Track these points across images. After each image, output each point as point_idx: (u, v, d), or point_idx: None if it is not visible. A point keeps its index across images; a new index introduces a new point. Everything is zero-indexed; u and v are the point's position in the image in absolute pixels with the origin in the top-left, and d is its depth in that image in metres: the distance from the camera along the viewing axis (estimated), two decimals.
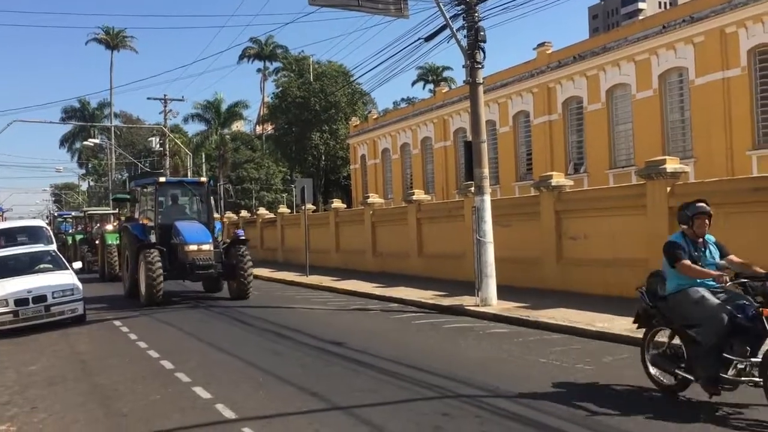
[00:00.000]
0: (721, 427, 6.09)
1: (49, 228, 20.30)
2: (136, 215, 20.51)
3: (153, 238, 17.64)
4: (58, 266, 15.30)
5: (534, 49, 31.19)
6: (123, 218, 27.04)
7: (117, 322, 14.29)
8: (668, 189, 13.24)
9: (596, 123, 28.13)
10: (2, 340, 12.79)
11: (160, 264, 16.33)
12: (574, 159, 29.94)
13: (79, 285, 14.49)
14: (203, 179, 20.03)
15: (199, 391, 8.13)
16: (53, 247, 17.39)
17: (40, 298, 13.64)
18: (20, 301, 13.44)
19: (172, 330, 13.11)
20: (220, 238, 18.58)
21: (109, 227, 28.61)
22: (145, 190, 19.65)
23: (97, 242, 28.92)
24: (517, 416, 6.57)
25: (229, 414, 7.10)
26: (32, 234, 18.73)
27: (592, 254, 15.08)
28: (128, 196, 31.55)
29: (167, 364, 9.80)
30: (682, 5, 28.31)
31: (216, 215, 20.27)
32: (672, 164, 13.39)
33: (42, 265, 15.24)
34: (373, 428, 6.38)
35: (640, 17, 27.35)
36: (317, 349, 10.59)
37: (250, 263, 17.61)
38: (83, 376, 9.52)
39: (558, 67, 29.56)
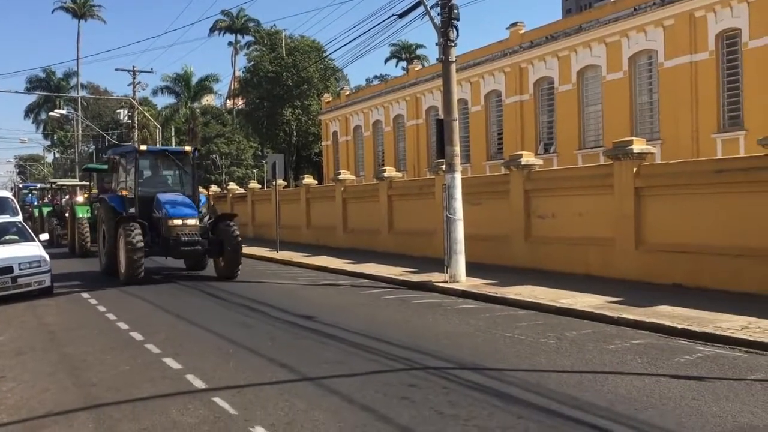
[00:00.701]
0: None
1: (15, 199, 19.99)
2: (114, 186, 19.09)
3: (132, 211, 16.58)
4: (25, 238, 15.14)
5: (507, 28, 31.28)
6: (94, 191, 26.32)
7: (85, 295, 14.24)
8: (634, 170, 13.51)
9: (567, 104, 28.40)
10: None
11: (141, 239, 15.17)
12: (545, 139, 30.22)
13: (47, 257, 14.35)
14: (188, 148, 18.51)
15: (168, 361, 8.18)
16: (19, 218, 17.19)
17: (6, 270, 13.49)
18: None
19: (142, 303, 13.08)
20: (205, 213, 17.56)
21: (80, 199, 27.63)
22: (123, 159, 18.11)
23: (66, 215, 27.66)
24: (482, 387, 6.74)
25: (199, 384, 7.17)
26: None
27: (560, 233, 15.34)
28: (100, 167, 30.70)
29: (137, 336, 9.82)
30: None
31: (201, 189, 19.34)
32: (639, 145, 13.64)
33: (8, 237, 15.05)
34: (342, 398, 6.51)
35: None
36: (287, 322, 10.69)
37: (239, 240, 16.39)
38: (52, 347, 9.49)
39: (530, 48, 29.71)
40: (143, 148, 17.94)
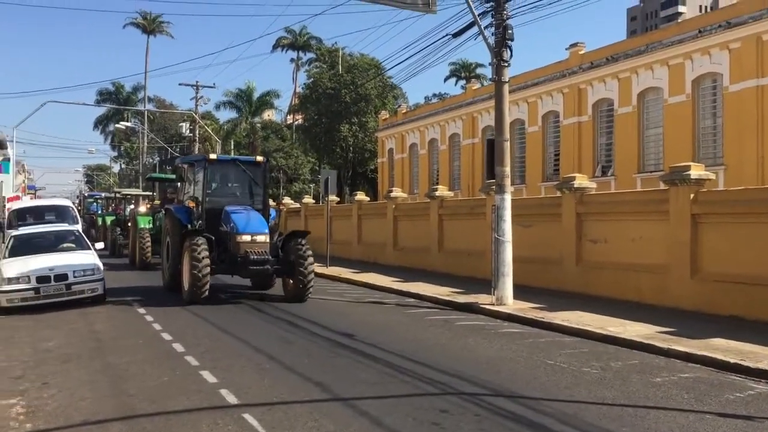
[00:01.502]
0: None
1: (75, 208, 20.67)
2: (180, 196, 18.17)
3: (199, 224, 15.57)
4: (81, 246, 15.59)
5: (566, 49, 30.90)
6: (156, 201, 26.08)
7: (135, 303, 14.53)
8: (692, 196, 13.06)
9: (626, 126, 27.79)
10: (23, 316, 13.09)
11: (207, 255, 13.92)
12: (602, 161, 29.63)
13: (100, 265, 14.74)
14: (260, 158, 17.08)
15: (205, 375, 8.24)
16: (78, 227, 17.75)
17: (61, 277, 13.90)
18: (42, 279, 13.72)
19: (187, 314, 13.25)
20: (275, 229, 16.31)
21: (142, 209, 26.92)
22: (192, 168, 17.04)
23: (129, 225, 27.22)
24: (515, 416, 6.56)
25: (232, 399, 7.19)
26: (59, 213, 19.18)
27: (612, 258, 14.93)
28: (164, 176, 29.50)
29: (178, 347, 9.94)
30: (719, 10, 27.87)
31: (271, 202, 17.98)
32: (697, 171, 13.20)
33: (65, 244, 15.55)
34: (371, 421, 6.41)
35: (679, 20, 26.97)
36: (327, 339, 10.67)
37: (312, 260, 14.89)
38: (96, 355, 9.69)
39: (590, 68, 29.24)
40: (213, 156, 16.49)
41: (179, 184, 18.40)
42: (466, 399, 7.16)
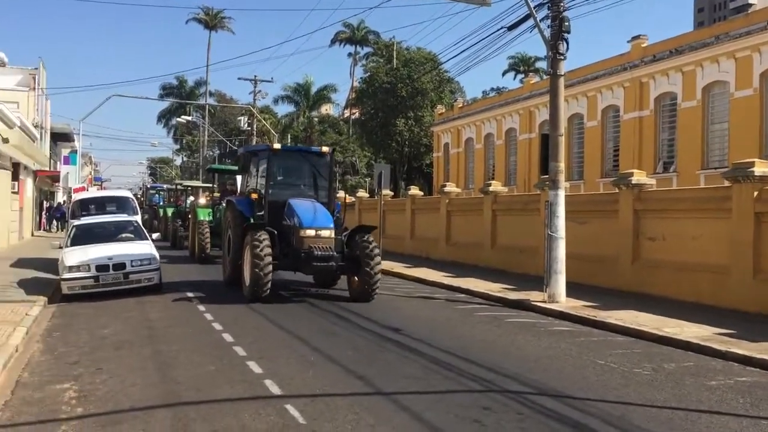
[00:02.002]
0: None
1: (135, 199, 21.20)
2: (243, 188, 17.51)
3: (261, 216, 14.90)
4: (139, 236, 16.00)
5: (628, 42, 30.07)
6: (216, 193, 25.89)
7: (190, 294, 14.80)
8: (755, 193, 12.57)
9: (690, 121, 26.90)
10: (83, 303, 13.50)
11: (269, 252, 13.23)
12: (664, 157, 28.78)
13: (157, 255, 15.10)
14: (326, 149, 16.25)
15: (252, 365, 8.33)
16: (137, 218, 18.20)
17: (119, 266, 14.28)
18: (101, 267, 14.13)
19: (239, 305, 13.43)
20: (341, 223, 15.24)
21: (201, 201, 26.51)
22: (255, 158, 16.33)
23: (189, 217, 26.94)
24: (559, 416, 6.41)
25: (275, 390, 7.25)
26: (120, 204, 19.70)
27: (670, 256, 14.52)
28: (224, 167, 29.47)
29: (228, 337, 10.09)
30: None
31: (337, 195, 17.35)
32: (761, 167, 12.70)
33: (124, 234, 15.98)
34: (411, 416, 6.37)
35: (749, 12, 25.92)
36: (373, 333, 10.66)
37: (379, 258, 14.08)
38: (148, 343, 9.91)
39: (652, 62, 28.38)
40: (277, 146, 15.81)
41: (241, 175, 17.82)
42: (510, 397, 7.05)
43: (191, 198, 31.30)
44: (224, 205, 20.02)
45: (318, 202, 14.91)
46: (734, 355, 9.17)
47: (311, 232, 13.74)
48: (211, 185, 28.64)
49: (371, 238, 14.25)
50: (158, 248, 18.28)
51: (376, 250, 14.02)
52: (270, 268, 13.20)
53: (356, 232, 14.67)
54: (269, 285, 13.28)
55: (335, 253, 13.71)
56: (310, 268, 13.98)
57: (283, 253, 13.91)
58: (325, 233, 13.83)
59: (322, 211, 14.32)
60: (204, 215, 23.30)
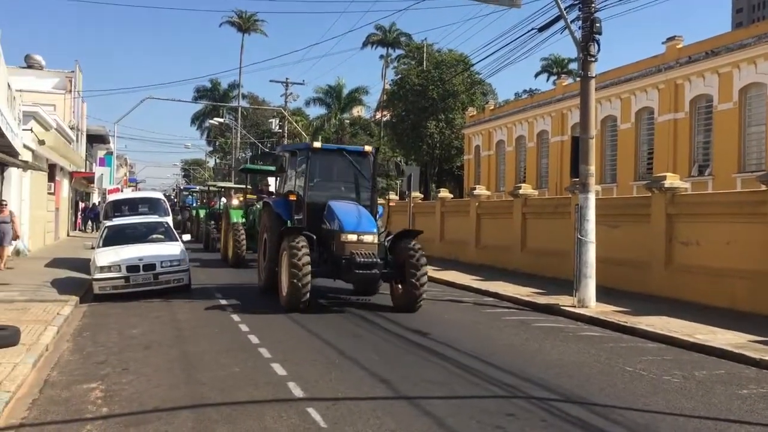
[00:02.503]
0: None
1: (166, 201, 21.46)
2: (279, 188, 16.63)
3: (299, 219, 13.93)
4: (169, 237, 16.18)
5: (663, 43, 29.61)
6: (249, 195, 25.16)
7: (218, 294, 14.91)
8: None
9: (726, 123, 26.38)
10: (113, 303, 13.68)
11: (308, 260, 12.32)
12: (700, 161, 28.27)
13: (186, 257, 15.24)
14: (368, 148, 15.17)
15: (276, 367, 8.35)
16: (168, 219, 18.44)
17: (149, 266, 14.46)
18: (131, 268, 14.32)
19: (266, 306, 13.48)
20: (384, 228, 14.41)
21: (234, 202, 25.85)
22: (293, 157, 15.47)
23: (222, 218, 26.29)
24: (584, 424, 6.30)
25: (298, 392, 7.25)
26: (152, 205, 19.99)
27: (704, 261, 14.21)
28: (257, 167, 28.86)
29: (254, 339, 10.13)
30: None
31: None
32: None
33: (155, 235, 16.18)
34: (434, 421, 6.31)
35: None
36: (398, 336, 10.63)
37: (425, 266, 13.07)
38: (175, 343, 9.99)
39: (688, 63, 27.91)
40: (317, 145, 14.72)
41: (278, 175, 16.76)
42: (535, 403, 6.95)
43: (224, 199, 30.91)
44: (259, 206, 19.82)
45: (360, 204, 14.09)
46: None
47: (353, 237, 12.82)
48: (244, 186, 28.50)
49: (417, 245, 13.24)
50: (190, 250, 18.62)
51: (423, 258, 13.02)
52: (308, 277, 12.29)
53: (401, 237, 13.63)
54: (308, 295, 12.40)
55: (378, 260, 12.76)
56: (351, 276, 12.95)
57: (323, 258, 13.10)
58: (367, 238, 12.90)
59: (364, 215, 13.43)
60: (237, 217, 22.59)
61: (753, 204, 13.33)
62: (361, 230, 12.94)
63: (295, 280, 12.19)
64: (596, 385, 7.78)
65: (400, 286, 13.30)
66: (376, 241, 13.05)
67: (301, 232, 12.94)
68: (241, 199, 25.85)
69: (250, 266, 19.97)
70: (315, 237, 13.06)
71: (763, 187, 13.10)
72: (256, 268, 17.09)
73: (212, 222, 29.10)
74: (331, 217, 13.36)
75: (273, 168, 24.18)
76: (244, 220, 22.42)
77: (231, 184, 38.09)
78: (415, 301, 12.98)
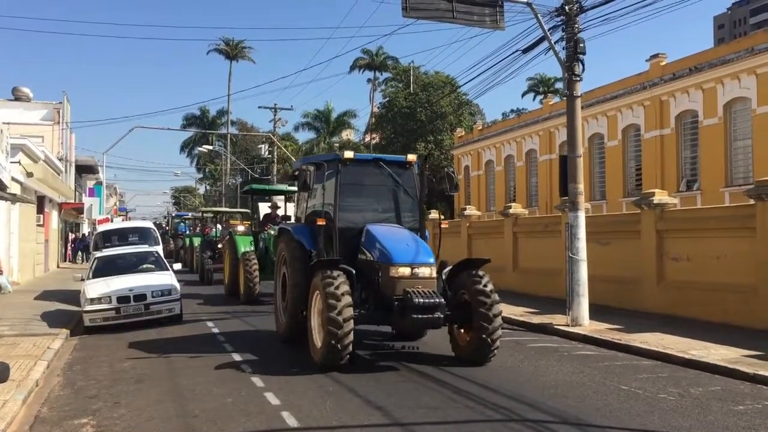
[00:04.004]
0: None
1: (156, 230, 21.35)
2: (297, 211, 13.78)
3: (327, 249, 11.10)
4: (160, 267, 16.09)
5: (647, 60, 29.94)
6: (243, 222, 23.54)
7: (210, 323, 14.79)
8: None
9: (712, 139, 26.62)
10: (104, 335, 13.57)
11: (349, 301, 9.54)
12: (687, 176, 28.47)
13: (177, 286, 15.15)
14: (412, 157, 12.14)
15: (269, 396, 8.27)
16: (159, 248, 18.36)
17: (140, 297, 14.37)
18: (122, 299, 14.22)
19: (258, 332, 13.38)
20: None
21: (240, 228, 23.07)
22: (318, 171, 11.63)
23: (220, 246, 24.09)
24: None
25: (292, 422, 7.18)
26: (142, 235, 19.90)
27: (695, 277, 14.25)
28: (265, 188, 25.36)
29: (246, 368, 10.05)
30: None
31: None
32: None
33: (145, 265, 16.09)
34: None
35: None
36: (394, 360, 10.53)
37: (498, 304, 10.28)
38: (168, 375, 9.89)
39: (672, 80, 28.21)
40: (349, 155, 11.58)
41: (301, 194, 13.40)
42: (530, 426, 6.91)
43: (219, 226, 29.29)
44: (269, 233, 18.24)
45: (405, 227, 11.38)
46: (763, 378, 8.94)
47: (405, 271, 10.02)
48: (242, 210, 27.18)
49: (486, 278, 10.44)
50: (183, 282, 18.29)
51: (495, 295, 10.26)
52: (351, 325, 9.50)
53: (462, 268, 10.92)
54: (350, 348, 9.63)
55: (441, 300, 9.85)
56: (407, 322, 9.85)
57: (362, 299, 10.29)
58: (424, 271, 10.10)
59: (415, 241, 10.65)
60: (246, 245, 19.79)
61: (741, 218, 13.41)
62: (416, 261, 10.10)
63: (333, 328, 9.35)
64: (592, 406, 7.74)
65: (462, 330, 10.64)
66: (434, 274, 10.33)
67: (337, 265, 10.13)
68: (247, 224, 23.38)
69: (263, 302, 17.86)
70: (354, 272, 10.21)
71: (751, 201, 13.18)
72: (269, 304, 15.65)
73: (207, 252, 26.39)
74: (371, 245, 10.55)
75: (282, 188, 22.72)
76: (253, 248, 19.65)
77: (228, 209, 36.80)
78: (487, 350, 10.14)
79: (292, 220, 14.94)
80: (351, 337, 9.52)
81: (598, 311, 14.01)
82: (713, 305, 13.56)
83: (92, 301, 14.18)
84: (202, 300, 19.37)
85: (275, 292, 13.07)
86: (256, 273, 18.14)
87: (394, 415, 7.34)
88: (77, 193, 45.04)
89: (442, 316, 9.83)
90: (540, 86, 68.63)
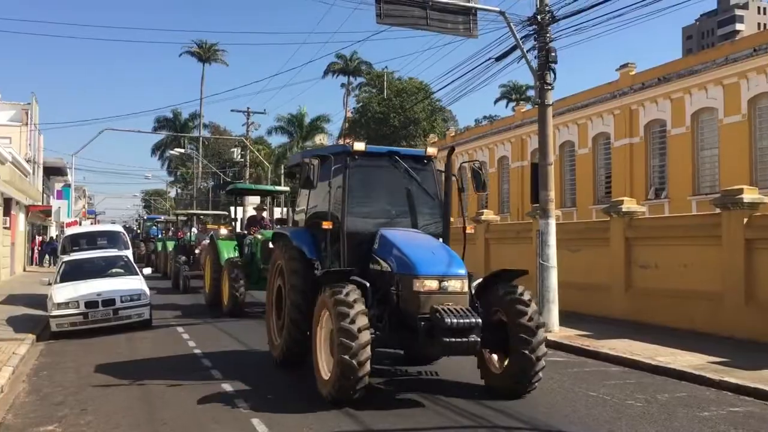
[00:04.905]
0: None
1: (126, 234, 21.07)
2: (305, 211, 10.87)
3: (333, 258, 9.52)
4: (129, 271, 15.91)
5: (617, 70, 30.36)
6: (226, 225, 22.46)
7: (180, 329, 14.65)
8: (745, 220, 12.57)
9: (680, 148, 27.06)
10: (72, 341, 13.37)
11: (365, 323, 7.87)
12: (656, 184, 28.89)
13: (147, 290, 14.99)
14: (432, 150, 10.65)
15: (240, 403, 8.22)
16: (128, 252, 18.15)
17: (109, 302, 14.19)
18: (90, 304, 14.03)
19: (229, 338, 13.28)
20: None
21: (223, 232, 21.14)
22: (324, 166, 9.67)
23: (197, 252, 22.80)
24: None
25: (262, 429, 7.15)
26: (111, 238, 19.64)
27: (663, 284, 14.46)
28: (250, 187, 23.95)
29: (217, 374, 9.99)
30: None
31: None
32: (750, 194, 12.72)
33: (114, 270, 15.88)
34: None
35: (736, 39, 26.39)
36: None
37: (542, 327, 8.71)
38: (136, 381, 9.76)
39: (641, 89, 28.64)
40: (360, 146, 9.72)
41: (300, 192, 11.27)
42: None
43: (195, 229, 27.26)
44: (257, 237, 16.97)
45: (428, 233, 9.72)
46: (728, 384, 9.10)
47: (432, 284, 8.34)
48: (217, 212, 25.92)
49: (528, 294, 8.75)
50: (158, 291, 17.92)
51: (537, 315, 8.62)
52: (369, 351, 7.83)
53: (495, 280, 9.21)
54: (367, 380, 7.98)
55: (478, 319, 8.10)
56: (436, 347, 8.20)
57: (376, 317, 8.46)
58: (455, 285, 8.43)
59: (445, 250, 9.08)
60: (230, 251, 17.99)
61: (708, 227, 13.65)
62: (448, 274, 8.45)
63: (348, 357, 7.66)
64: (560, 412, 7.82)
65: (495, 355, 8.94)
66: (466, 288, 8.62)
67: (349, 277, 8.57)
68: (230, 228, 21.39)
69: (251, 315, 16.47)
70: (368, 286, 8.55)
71: (717, 210, 13.43)
72: (254, 317, 15.16)
73: (182, 257, 24.27)
74: (386, 253, 8.94)
75: (268, 188, 21.86)
76: (237, 254, 17.99)
77: (205, 211, 35.17)
78: (528, 380, 8.39)
79: (289, 223, 13.45)
80: (369, 366, 7.82)
81: (567, 317, 14.15)
82: (680, 312, 13.77)
83: (59, 305, 13.97)
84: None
85: (267, 307, 11.19)
86: (242, 283, 16.48)
87: (365, 422, 7.32)
88: (45, 195, 44.35)
89: (478, 339, 8.10)
90: (512, 93, 69.32)
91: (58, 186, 49.35)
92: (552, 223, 14.14)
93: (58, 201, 43.30)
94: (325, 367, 8.42)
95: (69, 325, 13.90)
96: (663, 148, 28.34)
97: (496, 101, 72.81)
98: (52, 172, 48.11)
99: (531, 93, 67.61)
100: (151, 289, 15.38)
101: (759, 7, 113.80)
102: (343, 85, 70.55)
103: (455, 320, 7.86)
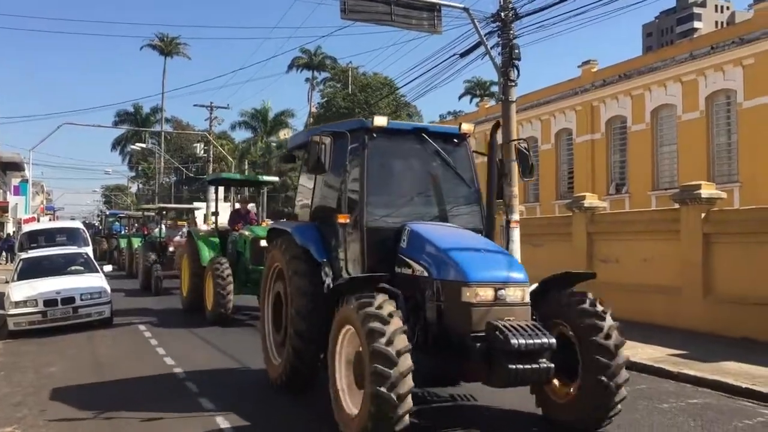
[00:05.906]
0: None
1: (86, 230, 20.67)
2: (312, 202, 8.86)
3: (339, 256, 7.76)
4: (89, 269, 15.63)
5: (578, 66, 30.81)
6: (207, 221, 20.39)
7: (141, 327, 14.45)
8: (703, 215, 12.84)
9: (640, 144, 27.58)
10: (29, 340, 13.09)
11: (406, 345, 6.02)
12: (617, 179, 29.40)
13: (108, 288, 14.75)
14: (467, 127, 8.57)
15: (204, 402, 8.15)
16: (88, 249, 17.82)
17: (68, 300, 13.92)
18: (49, 302, 13.74)
19: (191, 336, 13.12)
20: None
21: (204, 228, 19.68)
22: (338, 145, 7.62)
23: (171, 249, 21.19)
24: None
25: (225, 425, 7.15)
26: (70, 235, 19.26)
27: (624, 279, 14.67)
28: (237, 177, 21.61)
29: (180, 372, 9.87)
30: (732, 26, 27.74)
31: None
32: (708, 189, 12.99)
33: (74, 267, 15.59)
34: None
35: (694, 37, 26.95)
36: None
37: (622, 346, 6.85)
38: (98, 380, 9.61)
39: (602, 86, 29.12)
40: (381, 121, 7.86)
41: (303, 178, 9.64)
42: None
43: (162, 225, 24.24)
44: (245, 234, 15.15)
45: (469, 228, 7.91)
46: (686, 377, 9.32)
47: (488, 294, 6.59)
48: (197, 207, 24.19)
49: (601, 306, 7.16)
50: (126, 294, 17.35)
51: (615, 332, 6.84)
52: (411, 381, 6.00)
53: (554, 285, 7.45)
54: (407, 420, 6.07)
55: (551, 339, 6.41)
56: (499, 374, 6.31)
57: (412, 331, 6.65)
58: (515, 294, 6.71)
59: (498, 250, 7.40)
60: (211, 249, 15.99)
61: (667, 222, 13.90)
62: (510, 281, 6.74)
63: (385, 390, 5.86)
64: (523, 406, 7.87)
65: (557, 381, 7.03)
66: (528, 299, 6.85)
67: (378, 284, 6.74)
68: (211, 223, 18.99)
69: (239, 323, 14.87)
70: (401, 295, 6.78)
71: (676, 205, 13.69)
72: (243, 324, 14.24)
73: (152, 254, 21.96)
74: (419, 253, 7.18)
75: (255, 179, 19.63)
76: (220, 253, 15.87)
77: (177, 205, 33.36)
78: (605, 411, 6.69)
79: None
80: (410, 401, 6.00)
81: None
82: (640, 306, 13.97)
83: (17, 304, 13.66)
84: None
85: (262, 318, 9.37)
86: (230, 288, 14.38)
87: (330, 421, 7.30)
88: (1, 191, 43.31)
89: (551, 366, 6.37)
90: (477, 89, 69.71)
91: (15, 181, 48.12)
92: (515, 218, 14.27)
93: (15, 197, 42.25)
94: (348, 401, 6.56)
95: (27, 323, 13.61)
96: (624, 144, 28.84)
97: (460, 97, 73.19)
98: (9, 167, 46.99)
99: (495, 89, 68.16)
100: (118, 290, 15.07)
101: (716, 6, 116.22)
102: (307, 79, 70.18)
103: (523, 341, 6.10)
